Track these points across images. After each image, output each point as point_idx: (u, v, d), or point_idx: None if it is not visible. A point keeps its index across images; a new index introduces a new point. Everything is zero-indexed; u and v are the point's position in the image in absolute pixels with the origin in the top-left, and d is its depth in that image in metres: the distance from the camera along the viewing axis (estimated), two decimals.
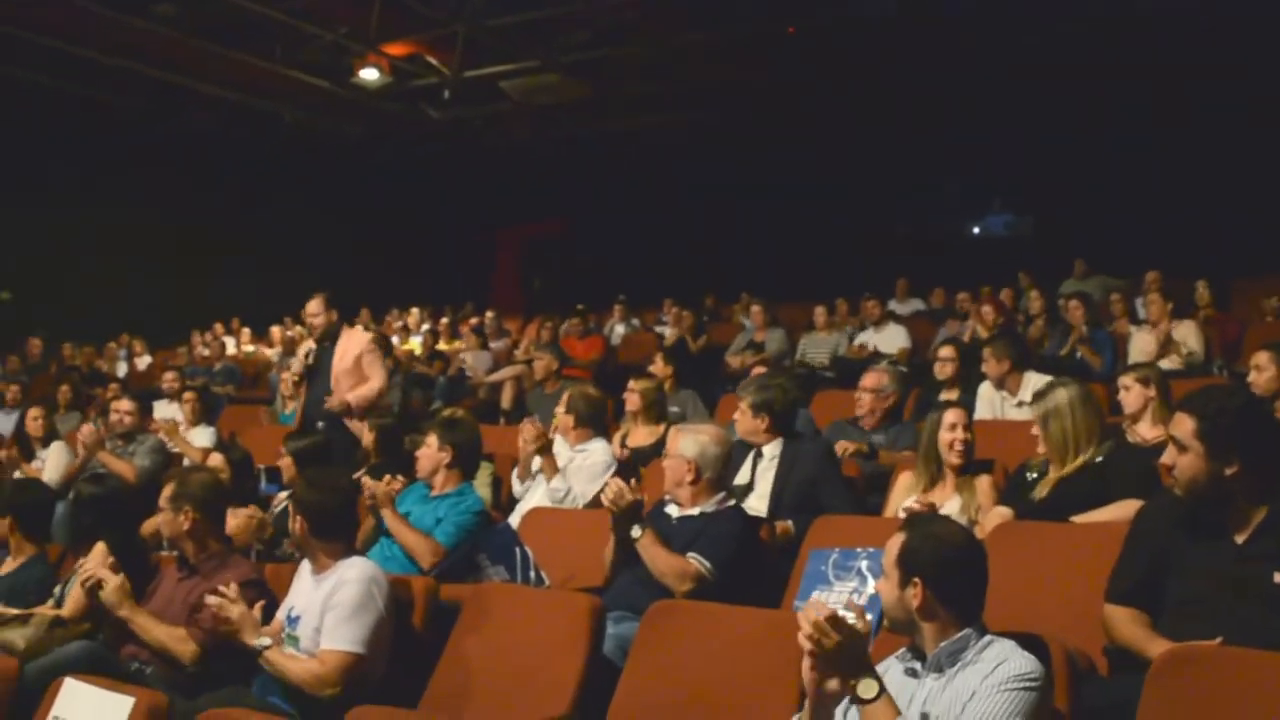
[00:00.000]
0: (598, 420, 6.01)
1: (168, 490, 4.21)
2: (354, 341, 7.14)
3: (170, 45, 13.72)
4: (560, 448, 5.85)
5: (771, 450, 5.06)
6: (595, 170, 18.35)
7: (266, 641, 3.63)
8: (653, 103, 16.18)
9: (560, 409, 5.99)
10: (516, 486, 5.93)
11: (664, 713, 3.20)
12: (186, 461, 7.38)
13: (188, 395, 8.54)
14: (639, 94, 15.91)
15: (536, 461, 5.70)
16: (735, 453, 5.01)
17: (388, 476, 4.82)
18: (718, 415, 7.54)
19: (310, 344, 7.28)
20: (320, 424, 6.90)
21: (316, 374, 7.08)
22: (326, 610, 3.67)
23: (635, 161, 17.86)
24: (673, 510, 4.33)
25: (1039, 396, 4.40)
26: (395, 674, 3.73)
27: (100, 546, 4.27)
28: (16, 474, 7.10)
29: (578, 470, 5.65)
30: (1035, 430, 4.31)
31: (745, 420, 5.16)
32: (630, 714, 3.32)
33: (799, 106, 15.55)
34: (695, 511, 4.25)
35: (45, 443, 7.83)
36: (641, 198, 18.01)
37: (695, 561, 3.96)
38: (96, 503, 4.72)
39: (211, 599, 3.70)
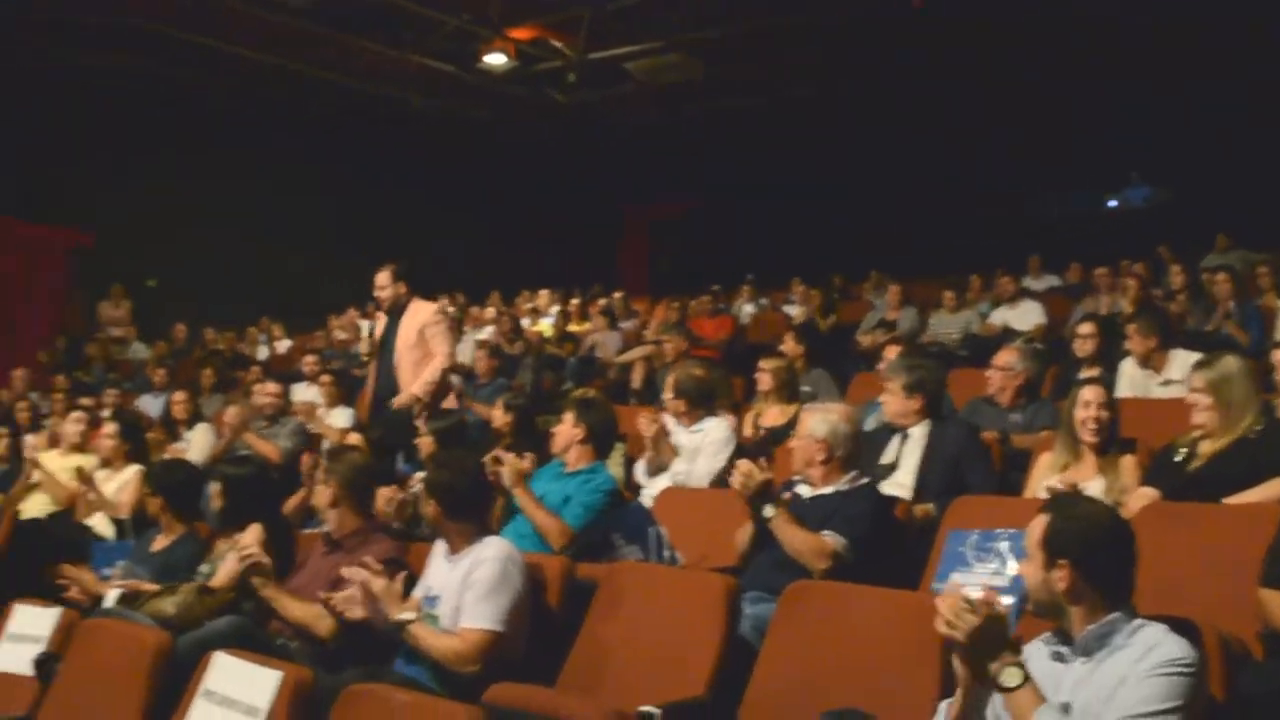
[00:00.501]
0: (708, 399, 5.95)
1: (320, 466, 4.34)
2: (419, 315, 6.89)
3: (302, 37, 14.02)
4: (676, 431, 5.84)
5: (919, 431, 4.98)
6: (720, 149, 18.24)
7: (410, 615, 3.69)
8: (777, 80, 16.04)
9: (668, 394, 5.94)
10: (642, 478, 5.86)
11: (802, 695, 3.16)
12: (326, 443, 7.55)
13: (325, 378, 8.73)
14: (763, 71, 15.78)
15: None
16: (879, 434, 4.98)
17: (513, 455, 4.86)
18: (849, 394, 7.49)
19: (381, 319, 7.16)
20: (386, 402, 6.81)
21: (384, 349, 6.93)
22: (465, 589, 3.71)
23: (760, 140, 17.72)
24: (804, 490, 4.29)
25: (1203, 365, 4.25)
26: (532, 653, 3.76)
27: (256, 527, 4.39)
28: (164, 455, 7.35)
29: (697, 451, 5.63)
30: (1194, 399, 4.17)
31: (897, 401, 5.06)
32: (767, 696, 3.29)
33: (927, 81, 15.27)
34: (829, 490, 4.21)
35: (190, 424, 8.09)
36: (767, 176, 17.86)
37: (831, 539, 3.92)
38: (247, 483, 4.83)
39: (352, 572, 3.77)
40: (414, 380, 6.72)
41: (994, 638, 2.36)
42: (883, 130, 16.41)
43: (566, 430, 5.07)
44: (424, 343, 6.75)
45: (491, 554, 3.76)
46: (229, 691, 3.33)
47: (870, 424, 6.07)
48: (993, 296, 11.13)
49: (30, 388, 11.54)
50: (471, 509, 3.98)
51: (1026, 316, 10.18)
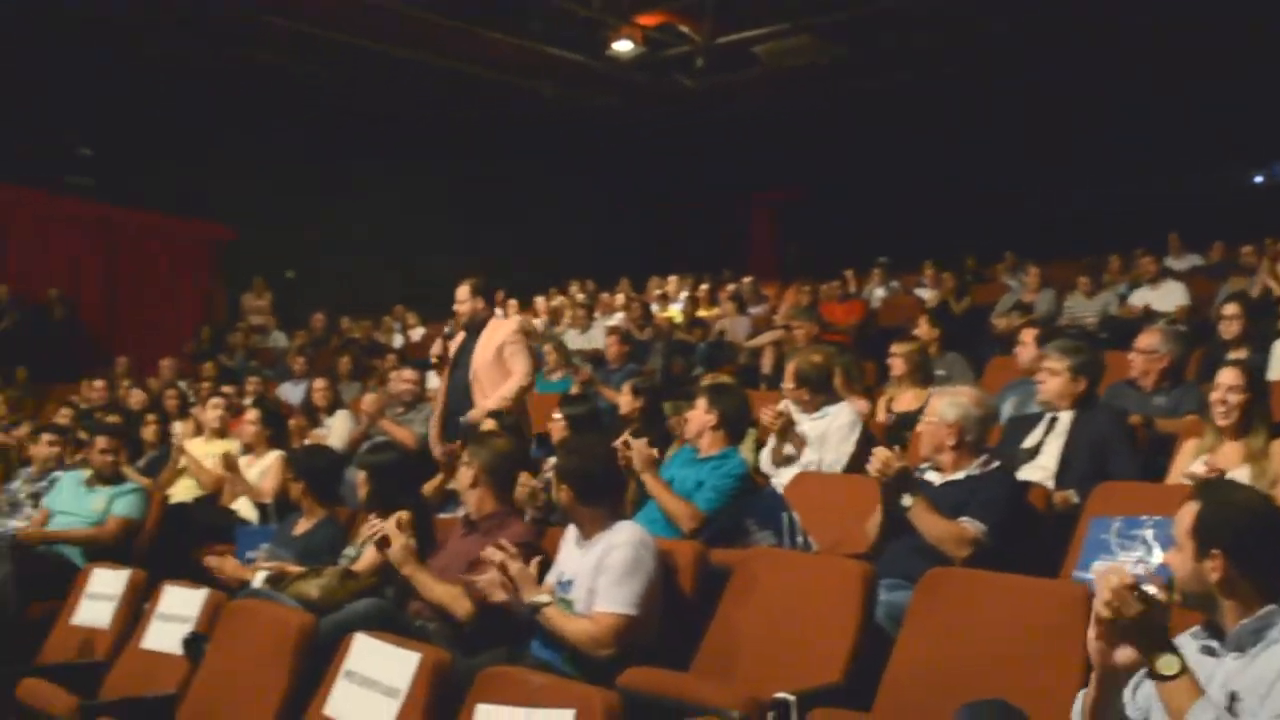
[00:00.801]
0: (827, 383, 5.86)
1: (454, 451, 4.42)
2: (498, 332, 6.64)
3: (433, 29, 14.22)
4: (799, 419, 5.76)
5: (1067, 416, 4.85)
6: (850, 131, 18.03)
7: (545, 598, 3.71)
8: (906, 61, 15.78)
9: (789, 382, 5.84)
10: (767, 467, 5.75)
11: (940, 684, 3.10)
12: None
13: None
14: (892, 53, 15.54)
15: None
16: (1024, 418, 4.87)
17: (643, 441, 4.86)
18: (985, 378, 7.35)
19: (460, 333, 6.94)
20: (459, 417, 6.61)
21: (459, 363, 6.70)
22: (598, 573, 3.72)
23: (891, 120, 17.46)
24: (933, 476, 4.22)
25: None
26: (665, 638, 3.75)
27: (405, 514, 4.47)
28: (305, 441, 7.52)
29: (824, 437, 5.56)
30: None
31: (1061, 383, 4.88)
32: (904, 684, 3.24)
33: (1061, 57, 14.89)
34: (960, 476, 4.14)
35: (330, 411, 8.27)
36: (898, 158, 17.63)
37: (971, 525, 3.84)
38: (391, 470, 4.92)
39: (489, 553, 3.81)
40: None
41: (1155, 627, 2.27)
42: (1015, 109, 16.06)
43: (699, 416, 5.06)
44: (502, 361, 6.54)
45: (624, 538, 3.77)
46: (369, 672, 3.38)
47: (1007, 409, 5.96)
48: (1132, 277, 10.82)
49: (178, 376, 11.94)
50: (603, 494, 3.98)
51: (1168, 297, 9.88)
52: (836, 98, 17.28)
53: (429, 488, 5.85)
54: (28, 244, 15.35)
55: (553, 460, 5.79)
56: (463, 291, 6.71)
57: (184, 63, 14.90)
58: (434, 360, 6.94)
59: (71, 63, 14.19)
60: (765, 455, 5.74)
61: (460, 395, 6.58)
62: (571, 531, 4.03)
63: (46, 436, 7.20)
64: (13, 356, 13.45)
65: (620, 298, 14.40)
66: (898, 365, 6.51)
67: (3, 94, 14.33)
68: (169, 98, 15.24)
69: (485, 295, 6.78)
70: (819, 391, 5.75)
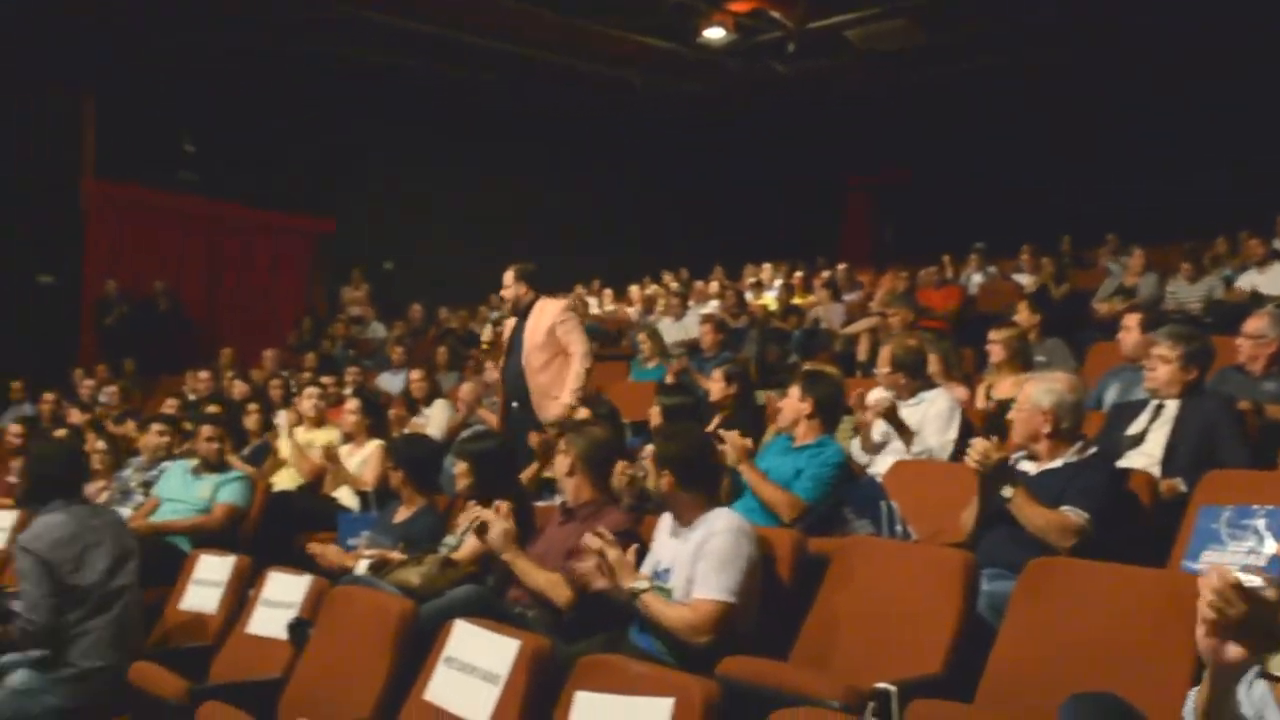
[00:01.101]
0: (922, 369, 5.81)
1: (563, 440, 4.44)
2: (546, 313, 6.68)
3: (527, 20, 14.29)
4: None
5: (1174, 403, 4.75)
6: (943, 115, 17.75)
7: (643, 584, 3.71)
8: (1001, 42, 15.51)
9: (884, 367, 5.78)
10: (859, 456, 5.70)
11: (1044, 676, 3.05)
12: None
13: None
14: (986, 34, 15.29)
15: (877, 431, 5.59)
16: (1128, 405, 4.77)
17: (736, 432, 4.84)
18: (1086, 364, 7.22)
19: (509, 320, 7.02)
20: (514, 404, 6.74)
21: (511, 349, 6.76)
22: (697, 560, 3.70)
23: (984, 104, 17.17)
24: (1028, 466, 4.14)
25: None
26: (764, 626, 3.74)
27: (506, 504, 4.51)
28: (405, 430, 7.62)
29: (921, 424, 5.49)
30: None
31: (1171, 371, 4.77)
32: (1008, 676, 3.18)
33: (1165, 33, 14.52)
34: (1058, 464, 4.06)
35: (428, 401, 8.37)
36: (992, 141, 17.31)
37: (1074, 514, 3.76)
38: (492, 459, 4.97)
39: (588, 539, 3.83)
40: (546, 380, 6.60)
41: (1265, 624, 2.19)
42: (1117, 89, 15.69)
43: (793, 404, 5.03)
44: (554, 341, 6.59)
45: (723, 525, 3.75)
46: (470, 658, 3.41)
47: (1110, 395, 5.85)
48: (1239, 260, 10.54)
49: (280, 367, 12.17)
50: (703, 480, 3.96)
51: (1277, 280, 9.59)
52: (931, 80, 17.05)
53: (525, 475, 5.89)
54: (135, 239, 15.75)
55: (650, 448, 5.81)
56: (507, 277, 6.82)
57: (286, 61, 15.15)
58: (484, 346, 7.05)
59: (177, 62, 14.51)
60: (856, 445, 5.69)
61: (515, 380, 6.67)
62: (667, 521, 4.03)
63: (155, 426, 7.38)
64: (121, 349, 13.83)
65: (714, 285, 14.36)
66: (997, 352, 6.40)
67: (111, 94, 14.75)
68: (271, 95, 15.53)
69: (529, 280, 6.79)
70: (914, 377, 5.70)
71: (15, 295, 14.09)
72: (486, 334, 7.09)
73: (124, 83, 14.72)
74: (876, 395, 5.49)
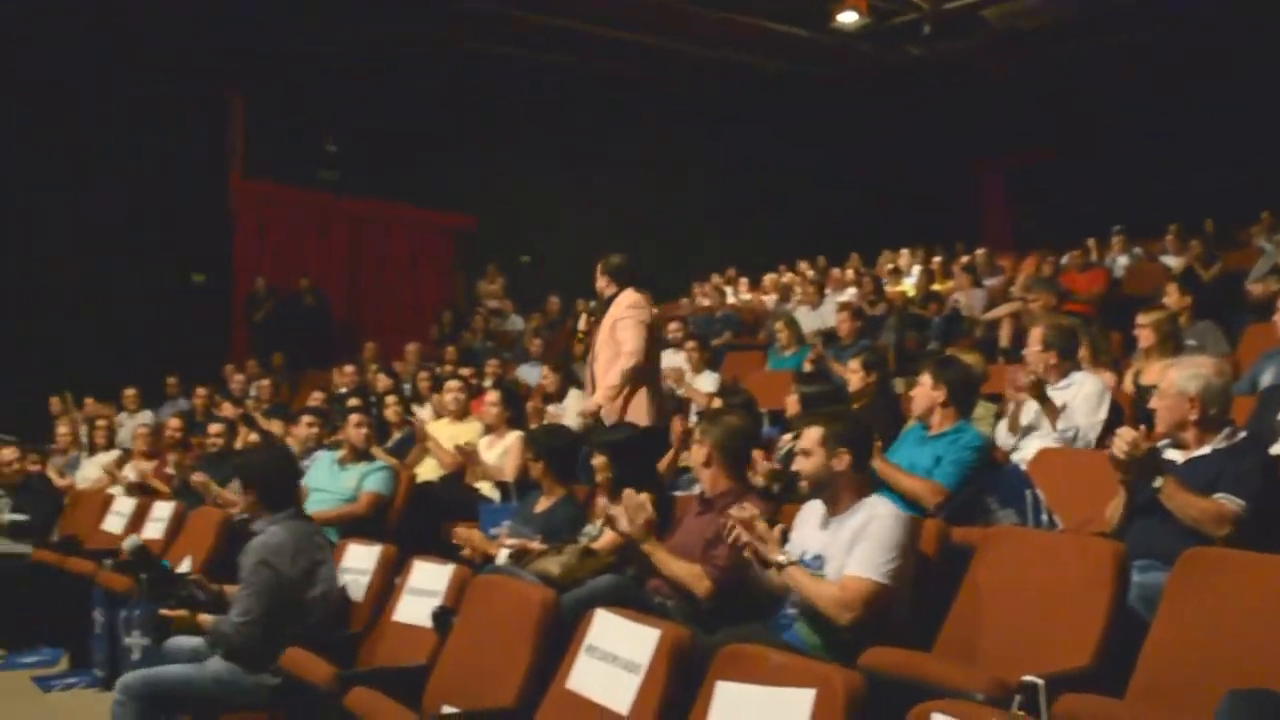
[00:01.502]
0: (1074, 350, 5.67)
1: (698, 426, 4.44)
2: (616, 308, 6.51)
3: (661, 11, 14.33)
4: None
5: None
6: (1084, 93, 17.27)
7: (793, 556, 3.68)
8: (1144, 17, 15.05)
9: (1035, 346, 5.62)
10: (1004, 438, 5.60)
11: (1201, 671, 2.93)
12: (694, 406, 7.69)
13: (691, 343, 8.90)
14: (1129, 9, 14.84)
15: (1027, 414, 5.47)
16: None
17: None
18: (1240, 348, 6.98)
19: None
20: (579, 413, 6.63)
21: (593, 344, 6.68)
22: (855, 543, 3.65)
23: (1127, 81, 16.66)
24: (1174, 454, 3.99)
25: None
26: (909, 617, 3.70)
27: (645, 495, 4.53)
28: (543, 421, 7.69)
29: (1069, 407, 5.35)
30: None
31: None
32: (1162, 670, 3.07)
33: None
34: (1205, 451, 3.91)
35: (561, 395, 8.44)
36: (1136, 118, 16.79)
37: (1229, 502, 3.63)
38: (631, 449, 5.00)
39: (737, 511, 3.79)
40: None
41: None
42: (1265, 57, 15.06)
43: (925, 393, 4.96)
44: (614, 338, 6.40)
45: (886, 510, 3.70)
46: (611, 647, 3.42)
47: (1266, 378, 5.64)
48: None
49: (422, 360, 12.40)
50: (865, 463, 3.94)
51: None
52: (1070, 58, 16.60)
53: (662, 464, 5.90)
54: (280, 237, 16.21)
55: (788, 437, 5.78)
56: (597, 270, 6.73)
57: (423, 58, 15.44)
58: (578, 337, 6.97)
59: (317, 64, 14.89)
60: (1002, 427, 5.58)
61: (591, 374, 6.62)
62: (813, 512, 3.97)
63: (306, 418, 7.60)
64: (270, 344, 14.26)
65: (850, 273, 14.22)
66: (1146, 336, 6.21)
67: (256, 97, 15.21)
68: (409, 93, 15.84)
69: (613, 273, 6.66)
70: (1066, 357, 5.56)
71: (170, 294, 14.61)
72: (581, 324, 7.07)
73: (269, 83, 15.16)
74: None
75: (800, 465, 3.92)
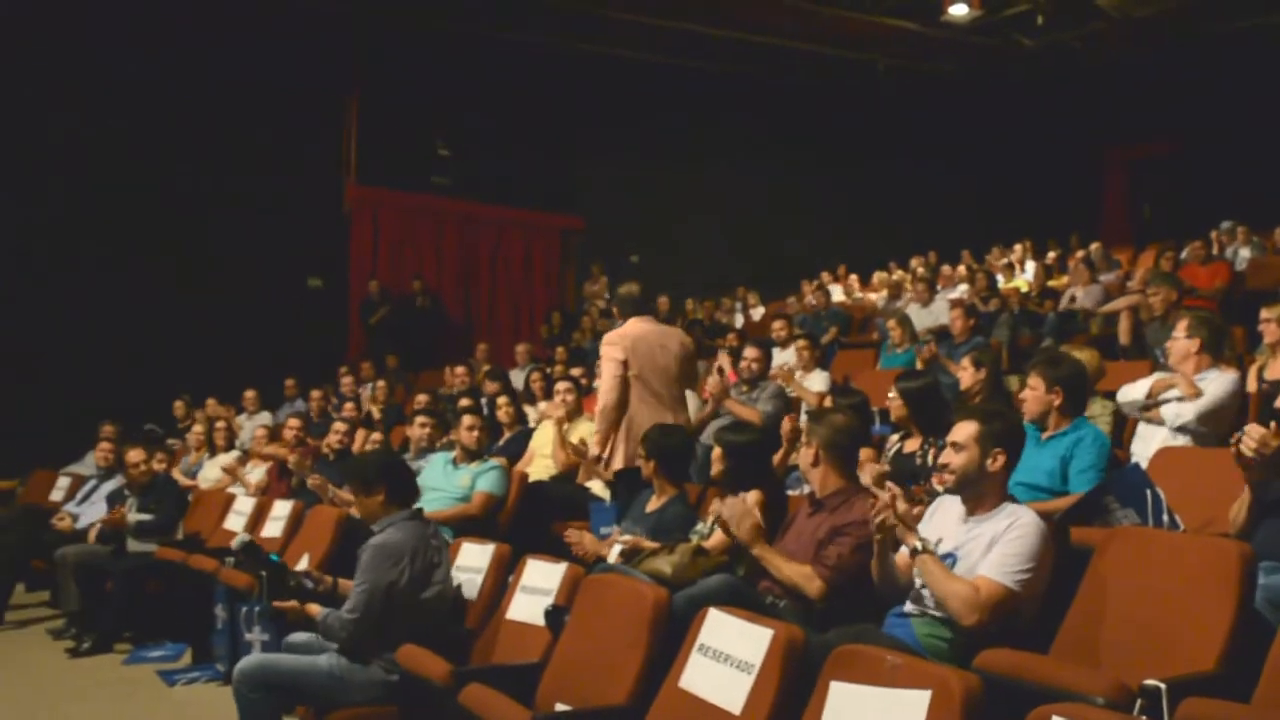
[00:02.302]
0: (1220, 346, 5.52)
1: (805, 426, 4.41)
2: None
3: (767, 9, 14.30)
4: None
5: None
6: (1207, 81, 16.78)
7: (927, 544, 3.63)
8: (1260, 2, 14.61)
9: (1181, 334, 5.49)
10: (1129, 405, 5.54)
11: None
12: (805, 405, 7.65)
13: (801, 342, 8.85)
14: None
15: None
16: None
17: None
18: None
19: None
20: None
21: None
22: (994, 545, 3.59)
23: (1252, 67, 16.14)
24: None
25: None
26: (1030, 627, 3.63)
27: (757, 493, 4.53)
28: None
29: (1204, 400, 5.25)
30: None
31: None
32: None
33: None
34: None
35: None
36: (1260, 107, 16.27)
37: None
38: (748, 450, 4.99)
39: (881, 493, 3.70)
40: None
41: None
42: None
43: (1039, 396, 4.87)
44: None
45: (1031, 520, 3.62)
46: (723, 646, 3.42)
47: None
48: None
49: (532, 361, 12.51)
50: (1013, 467, 3.85)
51: None
52: (1190, 44, 16.17)
53: (775, 459, 5.87)
54: (395, 241, 16.49)
55: (896, 437, 5.72)
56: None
57: (533, 61, 15.59)
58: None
59: (429, 69, 15.13)
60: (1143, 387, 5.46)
61: None
62: (953, 506, 3.91)
63: (420, 419, 7.71)
64: (384, 347, 14.51)
65: (961, 269, 14.03)
66: (1272, 331, 6.04)
67: (370, 102, 15.50)
68: (519, 97, 16.01)
69: (619, 304, 6.64)
70: (1209, 350, 5.42)
71: (288, 298, 14.94)
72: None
73: (383, 88, 15.43)
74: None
75: (950, 459, 3.80)
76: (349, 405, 10.34)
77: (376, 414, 10.98)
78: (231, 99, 14.30)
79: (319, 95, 15.22)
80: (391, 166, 16.05)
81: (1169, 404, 5.31)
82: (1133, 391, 5.51)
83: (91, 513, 8.39)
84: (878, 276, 15.02)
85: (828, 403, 6.40)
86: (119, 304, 13.54)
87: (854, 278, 15.93)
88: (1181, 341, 5.45)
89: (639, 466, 5.59)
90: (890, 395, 5.78)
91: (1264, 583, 3.41)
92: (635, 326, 6.39)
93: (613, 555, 4.75)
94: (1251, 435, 3.56)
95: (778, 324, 10.14)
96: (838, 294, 15.07)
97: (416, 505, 4.85)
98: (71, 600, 7.66)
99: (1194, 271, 10.74)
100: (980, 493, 3.77)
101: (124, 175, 13.81)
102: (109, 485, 8.70)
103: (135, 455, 8.13)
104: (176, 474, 9.36)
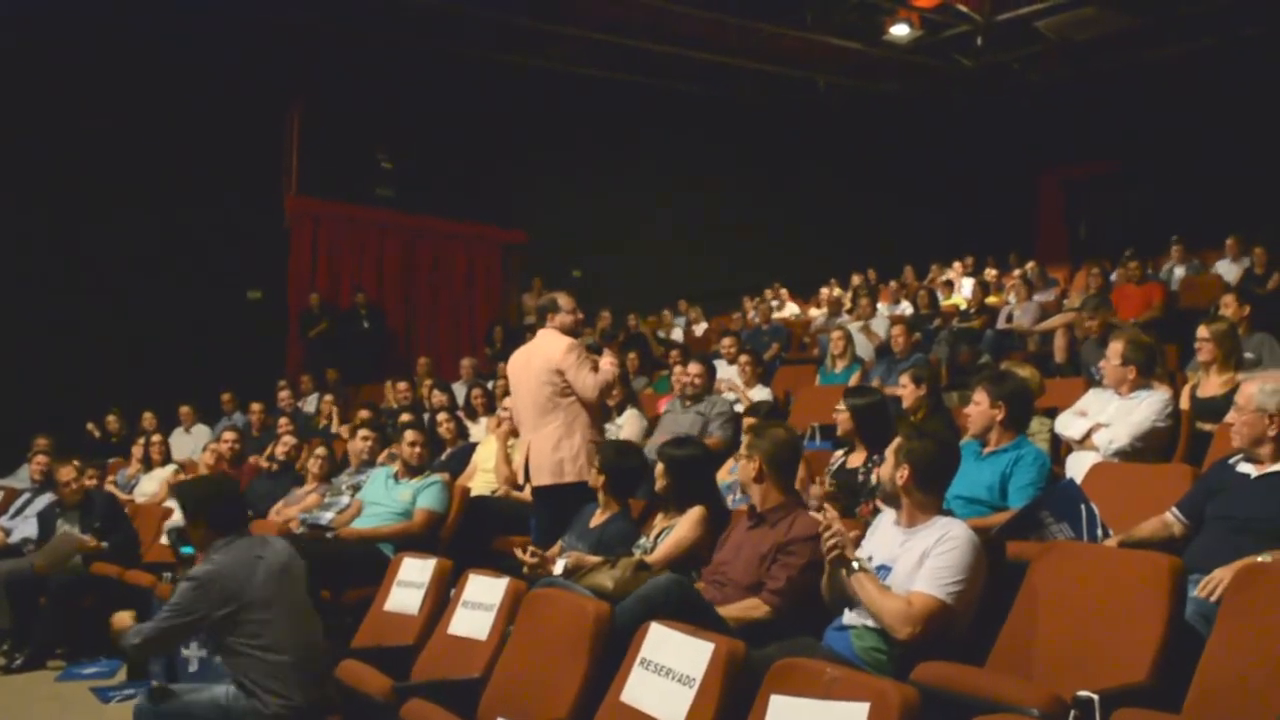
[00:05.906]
0: (1153, 366, 5.69)
1: (745, 439, 4.43)
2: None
3: (708, 27, 14.39)
4: (1109, 399, 5.56)
5: None
6: (1143, 104, 17.10)
7: (863, 560, 3.68)
8: (1198, 28, 14.89)
9: (1115, 360, 5.63)
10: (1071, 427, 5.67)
11: (1259, 687, 2.90)
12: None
13: (744, 358, 8.90)
14: (1186, 18, 14.69)
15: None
16: None
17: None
18: None
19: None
20: None
21: None
22: (925, 559, 3.64)
23: (1186, 91, 16.46)
24: (1248, 468, 3.98)
25: None
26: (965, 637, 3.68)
27: (700, 509, 4.52)
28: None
29: (1134, 416, 5.39)
30: None
31: None
32: (1219, 686, 3.02)
33: None
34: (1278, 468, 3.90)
35: (621, 408, 8.43)
36: (1193, 129, 16.58)
37: None
38: (689, 465, 5.02)
39: (821, 516, 3.78)
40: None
41: None
42: None
43: (983, 411, 4.94)
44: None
45: (962, 533, 3.68)
46: (664, 660, 3.43)
47: None
48: None
49: (476, 375, 12.44)
50: (941, 482, 3.90)
51: None
52: (1126, 68, 16.47)
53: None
54: (336, 253, 16.33)
55: (839, 453, 5.77)
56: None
57: (476, 75, 15.56)
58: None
59: (371, 81, 15.06)
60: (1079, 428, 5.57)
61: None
62: (885, 519, 3.96)
63: (362, 433, 7.67)
64: (324, 360, 14.37)
65: (900, 286, 14.17)
66: (1206, 350, 6.11)
67: (311, 114, 15.39)
68: (462, 110, 15.96)
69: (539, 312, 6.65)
70: (1144, 374, 5.62)
71: (227, 310, 14.75)
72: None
73: (324, 100, 15.33)
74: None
75: (882, 470, 3.96)
76: (283, 420, 10.18)
77: (336, 425, 10.89)
78: (171, 107, 14.11)
79: (260, 105, 15.06)
80: (333, 178, 15.90)
81: (1101, 431, 5.43)
82: (1069, 431, 5.65)
83: (25, 528, 8.23)
84: (822, 292, 15.13)
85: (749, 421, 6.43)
86: (53, 314, 13.30)
87: (786, 293, 16.00)
88: (1116, 367, 5.59)
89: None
90: (838, 409, 5.83)
91: (1194, 595, 3.47)
92: (528, 344, 6.48)
93: (556, 569, 4.76)
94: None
95: (727, 341, 10.12)
96: (782, 310, 15.15)
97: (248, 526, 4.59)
98: (3, 616, 7.51)
99: (1129, 292, 10.90)
100: (911, 504, 3.84)
101: (57, 185, 13.58)
102: (43, 499, 8.54)
103: (66, 474, 7.94)
104: (111, 487, 9.23)
